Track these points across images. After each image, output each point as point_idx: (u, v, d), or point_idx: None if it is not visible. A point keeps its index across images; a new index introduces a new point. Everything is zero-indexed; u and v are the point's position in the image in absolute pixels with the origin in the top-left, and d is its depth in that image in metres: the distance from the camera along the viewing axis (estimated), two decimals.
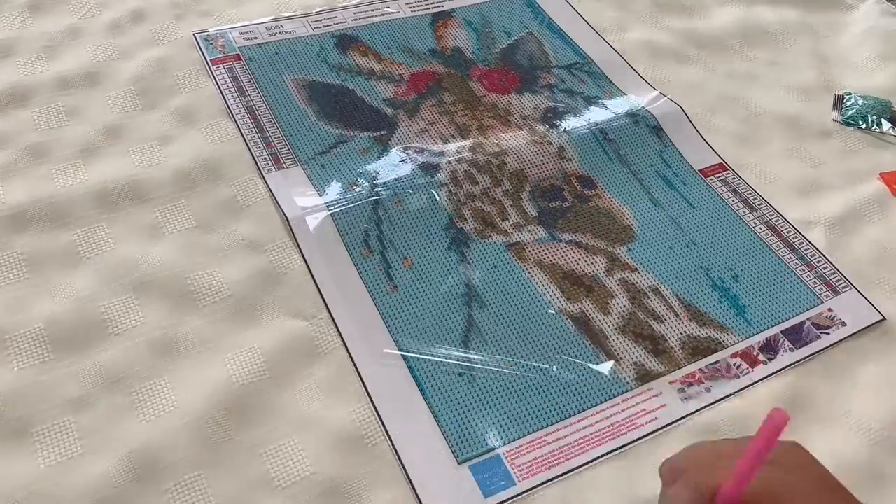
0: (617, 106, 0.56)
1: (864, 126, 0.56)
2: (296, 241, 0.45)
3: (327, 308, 0.43)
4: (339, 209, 0.47)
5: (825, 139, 0.56)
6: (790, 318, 0.44)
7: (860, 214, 0.51)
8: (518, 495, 0.37)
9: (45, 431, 0.37)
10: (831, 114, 0.58)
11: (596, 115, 0.55)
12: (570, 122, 0.54)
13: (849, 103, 0.58)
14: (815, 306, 0.45)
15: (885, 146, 0.57)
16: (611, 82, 0.58)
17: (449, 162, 0.50)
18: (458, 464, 0.37)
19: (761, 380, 0.41)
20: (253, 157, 0.49)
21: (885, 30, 0.65)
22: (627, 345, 0.42)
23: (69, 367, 0.40)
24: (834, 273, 0.47)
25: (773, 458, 0.30)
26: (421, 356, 0.41)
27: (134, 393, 0.39)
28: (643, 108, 0.55)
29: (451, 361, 0.41)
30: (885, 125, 0.56)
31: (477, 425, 0.39)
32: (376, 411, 0.39)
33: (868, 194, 0.52)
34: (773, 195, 0.51)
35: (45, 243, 0.44)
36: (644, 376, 0.41)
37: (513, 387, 0.40)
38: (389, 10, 0.62)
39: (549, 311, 0.43)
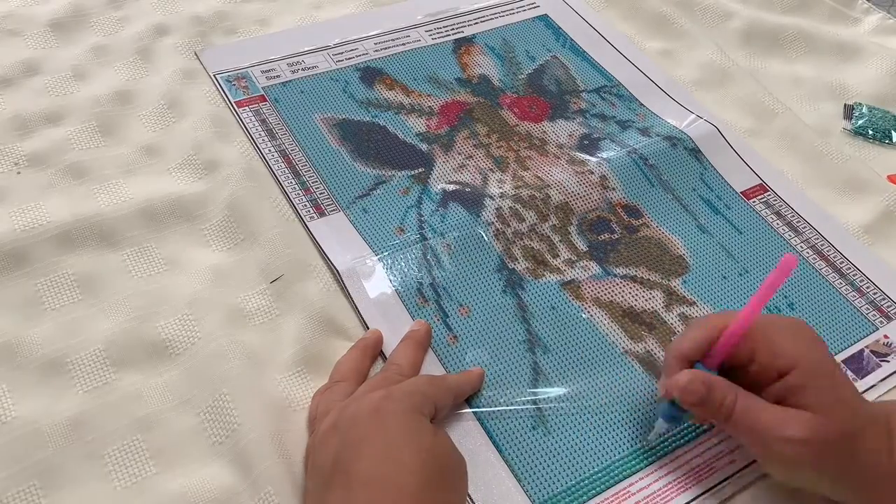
0: (652, 129, 0.55)
1: (872, 135, 0.57)
2: (348, 293, 0.44)
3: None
4: (389, 258, 0.45)
5: (840, 150, 0.56)
6: (849, 346, 0.44)
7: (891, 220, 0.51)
8: None
9: (116, 452, 0.37)
10: (842, 122, 0.59)
11: (632, 139, 0.54)
12: (609, 149, 0.53)
13: (857, 113, 0.58)
14: (870, 333, 0.45)
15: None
16: (641, 104, 0.57)
17: (492, 199, 0.49)
18: None
19: None
20: (291, 204, 0.48)
21: (890, 43, 0.66)
22: None
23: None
24: (885, 299, 0.47)
25: (774, 322, 0.37)
26: (491, 410, 0.40)
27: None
28: (679, 129, 0.55)
29: (522, 414, 0.40)
30: (895, 136, 0.57)
31: (560, 481, 0.38)
32: None
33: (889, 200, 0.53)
34: (811, 214, 0.51)
35: (94, 262, 0.44)
36: None
37: (590, 437, 0.39)
38: (409, 38, 0.60)
39: (615, 352, 0.43)
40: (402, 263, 0.45)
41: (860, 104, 0.59)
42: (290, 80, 0.55)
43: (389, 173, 0.51)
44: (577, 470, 0.38)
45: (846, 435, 0.33)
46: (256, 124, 0.52)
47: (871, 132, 0.57)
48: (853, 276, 0.48)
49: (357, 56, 0.58)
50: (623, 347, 0.43)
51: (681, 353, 0.36)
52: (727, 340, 0.35)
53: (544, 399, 0.41)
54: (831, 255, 0.49)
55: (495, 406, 0.40)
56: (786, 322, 0.37)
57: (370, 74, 0.57)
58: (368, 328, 0.43)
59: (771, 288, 0.34)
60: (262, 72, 0.55)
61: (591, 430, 0.40)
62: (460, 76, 0.58)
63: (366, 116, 0.54)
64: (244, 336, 0.42)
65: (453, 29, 0.62)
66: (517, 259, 0.47)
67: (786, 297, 0.46)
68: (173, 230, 0.46)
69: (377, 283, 0.44)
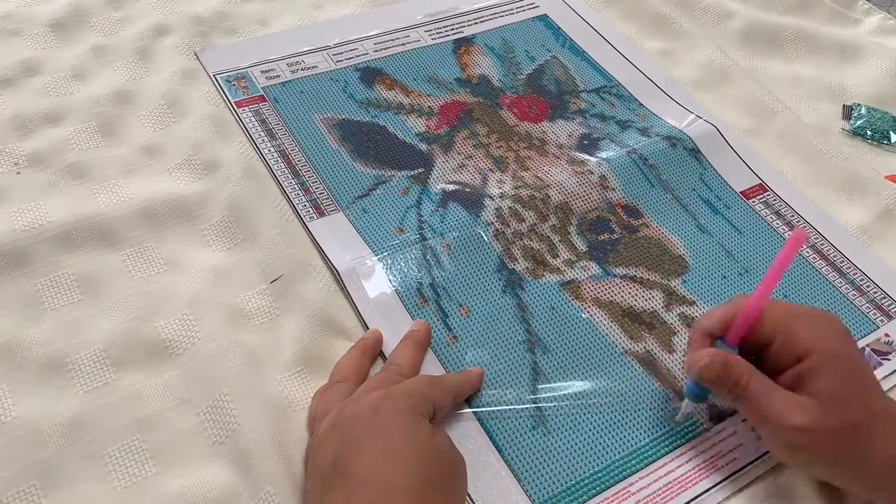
0: (652, 129, 0.55)
1: (870, 136, 0.57)
2: (348, 293, 0.44)
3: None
4: (388, 258, 0.45)
5: (839, 149, 0.56)
6: None
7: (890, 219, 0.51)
8: None
9: (116, 452, 0.37)
10: (841, 123, 0.59)
11: (632, 139, 0.54)
12: (608, 149, 0.53)
13: (856, 114, 0.58)
14: (871, 332, 0.45)
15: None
16: (641, 104, 0.57)
17: (492, 199, 0.49)
18: None
19: None
20: (291, 204, 0.48)
21: (890, 43, 0.66)
22: None
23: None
24: (885, 298, 0.47)
25: (801, 309, 0.37)
26: (491, 409, 0.40)
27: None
28: (679, 129, 0.55)
29: (522, 414, 0.40)
30: (893, 137, 0.57)
31: (560, 481, 0.38)
32: None
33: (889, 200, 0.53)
34: (810, 214, 0.51)
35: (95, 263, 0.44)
36: (717, 416, 0.41)
37: (589, 437, 0.39)
38: (409, 38, 0.60)
39: (615, 352, 0.43)
40: (402, 263, 0.45)
41: (859, 105, 0.59)
42: (289, 81, 0.55)
43: (389, 173, 0.51)
44: (577, 470, 0.38)
45: (850, 427, 0.33)
46: (256, 124, 0.52)
47: (869, 133, 0.57)
48: (853, 275, 0.48)
49: (357, 56, 0.58)
50: (623, 347, 0.43)
51: (703, 329, 0.38)
52: (745, 317, 0.36)
53: (544, 399, 0.41)
54: (831, 255, 0.49)
55: (495, 406, 0.40)
56: (814, 313, 0.38)
57: (370, 74, 0.57)
58: (368, 328, 0.43)
59: (785, 262, 0.35)
60: (262, 72, 0.55)
61: (590, 430, 0.40)
62: (460, 76, 0.58)
63: (365, 116, 0.54)
64: (244, 336, 0.42)
65: (453, 29, 0.62)
66: (517, 259, 0.47)
67: (786, 296, 0.46)
68: (173, 230, 0.46)
69: (377, 283, 0.44)
